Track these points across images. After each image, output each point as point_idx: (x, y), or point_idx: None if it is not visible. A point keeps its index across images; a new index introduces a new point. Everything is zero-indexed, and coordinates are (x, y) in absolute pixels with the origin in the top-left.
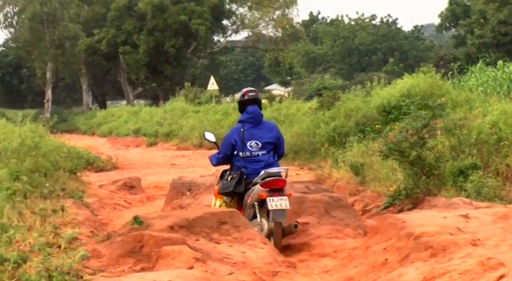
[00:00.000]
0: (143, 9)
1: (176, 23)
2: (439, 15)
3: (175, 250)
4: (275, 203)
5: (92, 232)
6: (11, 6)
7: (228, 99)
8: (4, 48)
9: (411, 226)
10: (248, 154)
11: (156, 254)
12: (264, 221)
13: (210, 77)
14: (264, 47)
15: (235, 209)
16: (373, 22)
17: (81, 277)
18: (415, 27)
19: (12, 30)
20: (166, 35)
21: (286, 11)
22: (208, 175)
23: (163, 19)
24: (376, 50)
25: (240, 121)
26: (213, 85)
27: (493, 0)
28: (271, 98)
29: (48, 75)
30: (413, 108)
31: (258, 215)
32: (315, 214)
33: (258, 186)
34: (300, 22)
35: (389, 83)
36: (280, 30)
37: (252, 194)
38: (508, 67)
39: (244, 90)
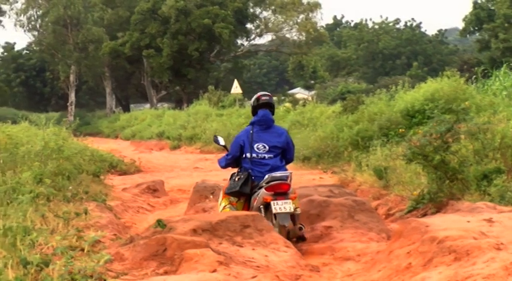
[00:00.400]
0: (167, 13)
1: (200, 26)
2: (463, 20)
3: (198, 253)
4: (279, 206)
5: (115, 235)
6: (34, 10)
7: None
8: (28, 52)
9: (435, 230)
10: (255, 155)
11: (179, 258)
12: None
13: (233, 80)
14: (287, 50)
15: (243, 211)
16: (397, 26)
17: (104, 280)
18: (439, 31)
19: (35, 33)
20: (190, 39)
21: (310, 14)
22: None
23: (187, 23)
24: (400, 54)
25: (250, 123)
26: (236, 89)
27: None
28: (295, 101)
29: (72, 78)
30: (437, 112)
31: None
32: (338, 217)
33: (262, 189)
34: (324, 26)
35: (413, 87)
36: (304, 34)
37: (257, 198)
38: None
39: (259, 94)
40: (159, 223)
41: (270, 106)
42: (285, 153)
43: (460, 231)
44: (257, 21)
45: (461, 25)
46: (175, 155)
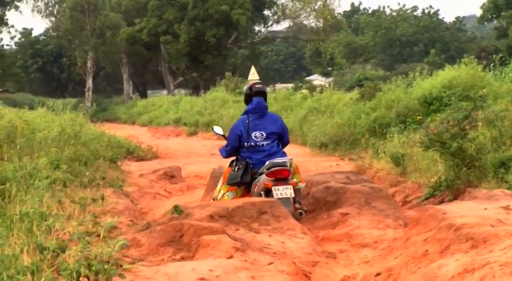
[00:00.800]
0: None
1: (217, 12)
2: (481, 7)
3: (215, 239)
4: (280, 192)
5: (131, 221)
6: None
7: (268, 89)
8: (45, 37)
9: (452, 217)
10: (253, 144)
11: (196, 244)
12: None
13: (250, 67)
14: (305, 37)
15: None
16: (415, 13)
17: (121, 266)
18: (457, 18)
19: (53, 19)
20: (207, 25)
21: (328, 1)
22: None
23: (205, 9)
24: (417, 41)
25: (245, 112)
26: (253, 75)
27: None
28: (312, 88)
29: (89, 64)
30: (455, 100)
31: None
32: (355, 204)
33: (263, 176)
34: (342, 13)
35: (431, 75)
36: (321, 20)
37: (258, 184)
38: None
39: (251, 82)
40: (176, 209)
41: (263, 94)
42: (281, 138)
43: (477, 218)
44: (274, 8)
45: (479, 12)
46: (192, 141)
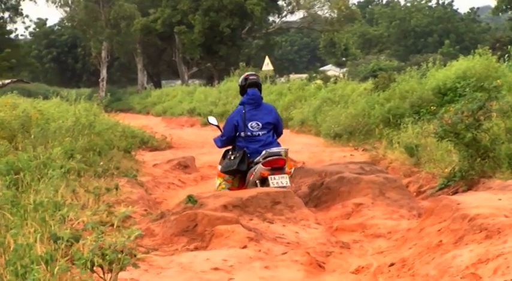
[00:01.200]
0: None
1: (232, 3)
2: None
3: (229, 229)
4: (276, 181)
5: (145, 210)
6: None
7: (282, 79)
8: (59, 28)
9: (466, 207)
10: (249, 134)
11: (210, 234)
12: None
13: (264, 57)
14: (319, 28)
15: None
16: (429, 4)
17: (135, 256)
18: (471, 9)
19: (67, 9)
20: (222, 15)
21: None
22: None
23: None
24: (431, 31)
25: (241, 103)
26: (268, 66)
27: None
28: (326, 78)
29: (103, 54)
30: (469, 90)
31: None
32: (369, 194)
33: (259, 165)
34: (356, 3)
35: (445, 65)
36: (335, 11)
37: (254, 173)
38: None
39: (246, 74)
40: (190, 198)
41: (257, 85)
42: (276, 128)
43: (491, 209)
44: None
45: (493, 3)
46: (206, 132)
